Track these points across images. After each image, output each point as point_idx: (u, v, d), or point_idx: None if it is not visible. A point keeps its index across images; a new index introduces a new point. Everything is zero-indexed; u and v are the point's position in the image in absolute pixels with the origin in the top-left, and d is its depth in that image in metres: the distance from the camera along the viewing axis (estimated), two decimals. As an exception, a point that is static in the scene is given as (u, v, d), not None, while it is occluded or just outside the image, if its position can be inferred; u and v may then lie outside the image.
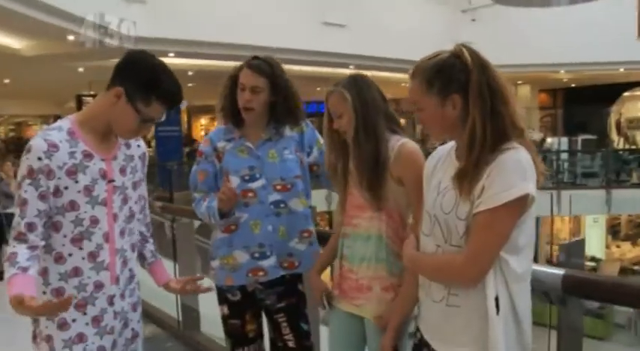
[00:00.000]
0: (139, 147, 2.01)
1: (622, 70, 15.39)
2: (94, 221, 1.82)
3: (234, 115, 2.39)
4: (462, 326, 1.56)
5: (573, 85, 19.08)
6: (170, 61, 7.09)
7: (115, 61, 1.83)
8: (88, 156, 1.81)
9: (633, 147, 17.57)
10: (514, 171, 1.46)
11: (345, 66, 12.16)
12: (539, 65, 15.37)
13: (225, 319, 2.50)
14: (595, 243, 16.20)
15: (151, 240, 2.13)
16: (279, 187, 2.36)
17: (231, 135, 2.43)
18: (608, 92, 17.88)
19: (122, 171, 1.90)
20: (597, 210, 14.75)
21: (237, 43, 9.95)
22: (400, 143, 1.98)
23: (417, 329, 1.78)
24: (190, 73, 12.72)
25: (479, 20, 14.85)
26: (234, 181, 2.33)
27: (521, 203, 1.47)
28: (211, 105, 19.88)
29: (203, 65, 11.97)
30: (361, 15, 12.49)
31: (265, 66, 2.33)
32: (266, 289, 2.41)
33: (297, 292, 2.48)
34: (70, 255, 1.80)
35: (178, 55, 10.48)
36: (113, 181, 1.86)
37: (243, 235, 2.36)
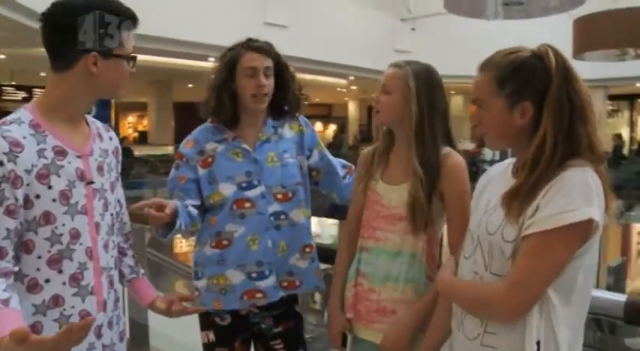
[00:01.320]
0: (111, 140, 1.69)
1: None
2: (75, 235, 1.49)
3: (227, 114, 2.07)
4: None
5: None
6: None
7: (41, 49, 1.51)
8: (60, 153, 1.48)
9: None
10: (577, 191, 1.24)
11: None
12: (474, 77, 15.56)
13: (209, 347, 2.14)
14: None
15: (130, 252, 1.80)
16: (279, 196, 2.07)
17: (222, 135, 2.10)
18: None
19: (100, 169, 1.58)
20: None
21: (172, 38, 9.61)
22: (445, 153, 1.77)
23: None
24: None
25: (418, 29, 14.94)
26: (229, 189, 2.03)
27: (582, 230, 1.25)
28: (140, 102, 19.27)
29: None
30: (303, 17, 12.33)
31: (267, 46, 2.08)
32: (262, 312, 2.11)
33: (295, 315, 2.19)
34: (47, 281, 1.46)
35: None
36: (92, 182, 1.54)
37: (238, 252, 2.04)
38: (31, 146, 1.43)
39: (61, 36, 1.47)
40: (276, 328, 2.14)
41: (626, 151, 17.51)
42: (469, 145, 17.46)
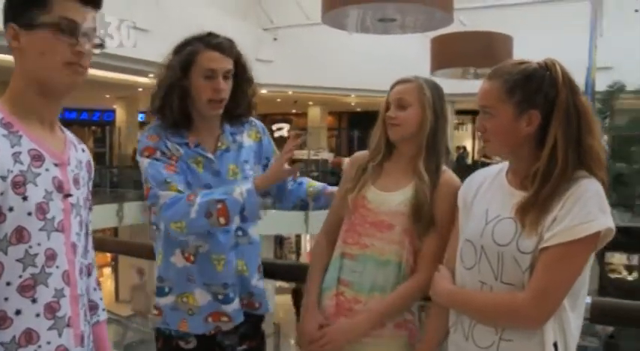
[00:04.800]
0: (83, 152, 1.45)
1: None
2: (51, 256, 1.26)
3: (180, 113, 1.83)
4: None
5: (358, 109, 20.29)
6: None
7: None
8: (37, 158, 1.25)
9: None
10: (593, 202, 1.31)
11: (145, 74, 11.36)
12: (333, 88, 15.97)
13: None
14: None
15: (98, 287, 1.53)
16: None
17: (182, 139, 1.85)
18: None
19: (76, 182, 1.35)
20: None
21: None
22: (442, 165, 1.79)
23: None
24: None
25: (280, 40, 15.02)
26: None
27: (597, 239, 1.32)
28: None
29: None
30: (165, 23, 11.88)
31: (229, 43, 1.86)
32: (228, 331, 1.92)
33: (260, 334, 2.05)
34: (18, 313, 1.22)
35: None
36: (70, 195, 1.31)
37: (203, 270, 1.85)
38: (5, 149, 1.21)
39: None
40: (240, 346, 1.98)
41: (470, 160, 18.85)
42: (328, 155, 17.93)
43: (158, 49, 1.96)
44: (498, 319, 1.41)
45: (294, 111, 20.49)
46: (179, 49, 1.86)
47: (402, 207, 1.74)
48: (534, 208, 1.35)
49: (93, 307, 1.51)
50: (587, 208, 1.31)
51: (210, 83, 1.81)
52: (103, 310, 1.56)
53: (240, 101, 1.92)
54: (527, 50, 10.76)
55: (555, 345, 1.34)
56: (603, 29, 11.39)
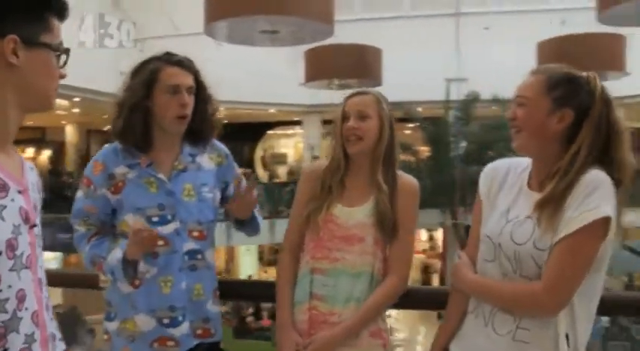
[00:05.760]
0: (32, 170, 1.28)
1: (272, 110, 16.87)
2: (22, 298, 1.12)
3: (141, 136, 1.80)
4: None
5: (226, 121, 20.12)
6: None
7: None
8: (1, 188, 1.11)
9: (277, 180, 19.11)
10: (598, 191, 1.38)
11: None
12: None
13: None
14: (249, 268, 17.83)
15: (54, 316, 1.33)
16: (195, 234, 1.85)
17: (134, 160, 1.84)
18: (255, 129, 19.24)
19: (35, 208, 1.22)
20: (264, 239, 15.68)
21: None
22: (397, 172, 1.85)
23: None
24: None
25: (147, 51, 14.46)
26: (136, 222, 1.77)
27: (603, 227, 1.39)
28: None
29: None
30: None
31: (188, 61, 1.86)
32: None
33: None
34: None
35: None
36: (35, 225, 1.19)
37: (148, 295, 1.80)
38: None
39: None
40: None
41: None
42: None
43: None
44: (517, 308, 1.50)
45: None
46: (138, 70, 1.84)
47: (369, 219, 1.79)
48: (550, 204, 1.43)
49: (52, 338, 1.36)
50: (590, 198, 1.38)
51: (175, 98, 1.81)
52: (60, 340, 1.41)
53: (201, 119, 1.90)
54: (396, 63, 11.36)
55: (567, 336, 1.43)
56: (460, 44, 12.35)
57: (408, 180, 1.86)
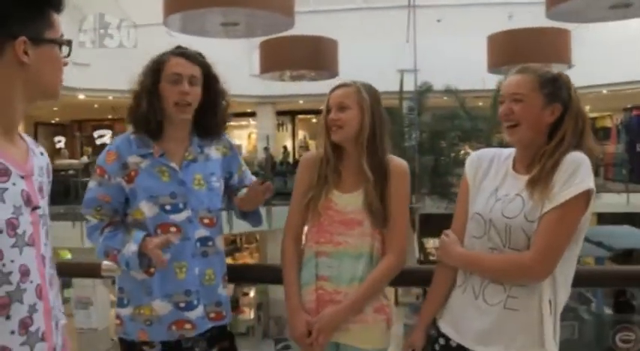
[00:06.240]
0: (42, 155, 1.42)
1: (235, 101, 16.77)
2: (25, 272, 1.25)
3: (151, 122, 1.91)
4: (519, 329, 1.63)
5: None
6: None
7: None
8: (3, 173, 1.22)
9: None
10: (581, 168, 1.56)
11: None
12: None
13: None
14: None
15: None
16: (206, 221, 1.96)
17: (147, 149, 1.93)
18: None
19: (40, 191, 1.34)
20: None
21: None
22: (387, 157, 1.96)
23: (441, 334, 1.79)
24: None
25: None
26: (150, 209, 1.88)
27: (586, 199, 1.57)
28: None
29: None
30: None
31: (197, 54, 1.97)
32: (194, 337, 1.95)
33: (228, 334, 2.08)
34: None
35: None
36: (38, 207, 1.30)
37: (164, 281, 1.89)
38: None
39: None
40: (211, 350, 2.01)
41: (291, 159, 19.50)
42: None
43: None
44: (507, 276, 1.65)
45: (110, 116, 19.52)
46: (149, 63, 1.97)
47: (362, 206, 1.92)
48: (540, 181, 1.61)
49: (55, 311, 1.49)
50: (574, 174, 1.57)
51: (176, 87, 1.91)
52: (63, 313, 1.52)
53: (211, 113, 2.00)
54: (351, 54, 11.44)
55: (550, 302, 1.61)
56: (412, 36, 12.54)
57: (397, 162, 1.97)
